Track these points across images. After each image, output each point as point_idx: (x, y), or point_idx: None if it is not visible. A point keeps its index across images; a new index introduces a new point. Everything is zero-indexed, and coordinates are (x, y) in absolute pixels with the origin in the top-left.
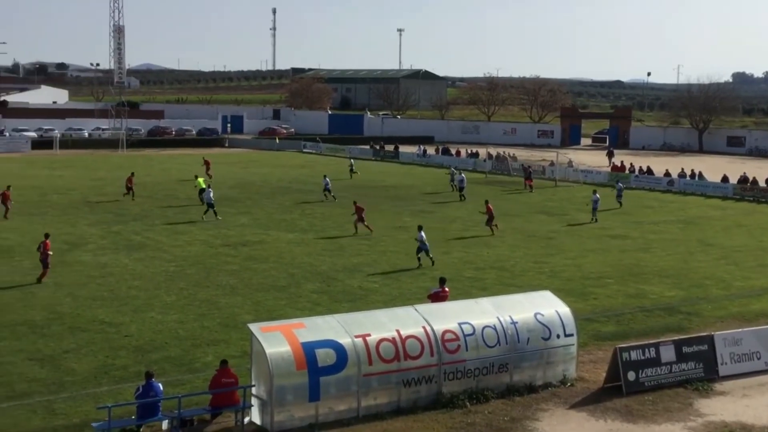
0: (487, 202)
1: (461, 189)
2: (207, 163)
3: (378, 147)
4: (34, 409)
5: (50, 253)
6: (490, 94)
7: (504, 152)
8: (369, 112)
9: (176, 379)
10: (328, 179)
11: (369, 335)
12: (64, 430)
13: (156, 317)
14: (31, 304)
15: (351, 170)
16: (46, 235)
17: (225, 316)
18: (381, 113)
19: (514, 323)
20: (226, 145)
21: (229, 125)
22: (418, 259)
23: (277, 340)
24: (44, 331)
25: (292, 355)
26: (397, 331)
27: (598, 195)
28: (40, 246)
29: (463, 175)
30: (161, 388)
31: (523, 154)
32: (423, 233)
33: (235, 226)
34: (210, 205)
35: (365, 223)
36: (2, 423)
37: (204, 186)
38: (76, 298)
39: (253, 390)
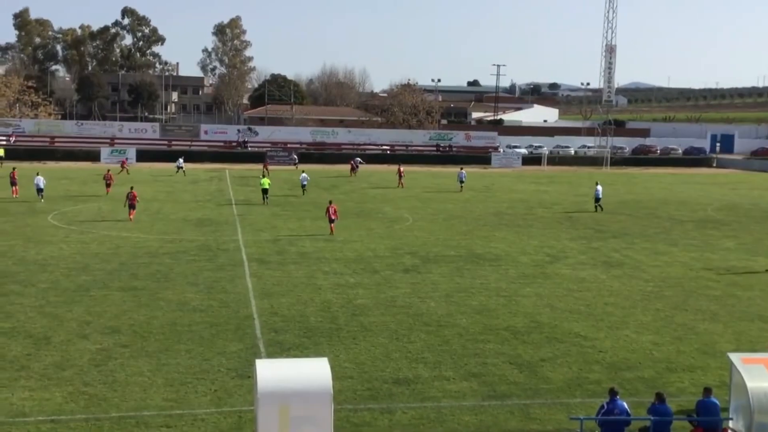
0: None
1: None
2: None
3: None
4: (511, 411)
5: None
6: None
7: None
8: None
9: (648, 401)
10: None
11: None
12: None
13: (630, 336)
14: (514, 311)
15: None
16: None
17: (703, 342)
18: None
19: None
20: (714, 165)
21: (717, 144)
22: None
23: (759, 374)
24: (524, 338)
25: None
26: None
27: None
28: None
29: None
30: (626, 407)
31: None
32: None
33: (719, 249)
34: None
35: None
36: (483, 419)
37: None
38: (555, 310)
39: (730, 423)
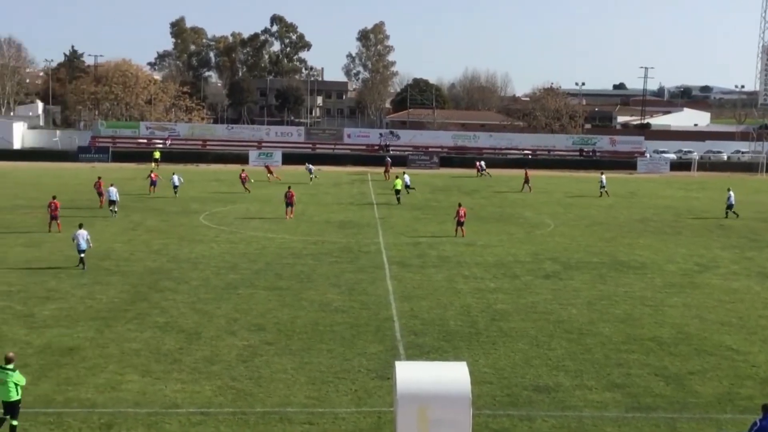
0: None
1: None
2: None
3: None
4: (657, 424)
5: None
6: None
7: None
8: None
9: None
10: None
11: None
12: None
13: None
14: (661, 321)
15: None
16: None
17: None
18: None
19: None
20: None
21: None
22: None
23: None
24: (671, 349)
25: None
26: None
27: None
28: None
29: None
30: None
31: None
32: None
33: None
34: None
35: None
36: None
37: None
38: (704, 321)
39: None
